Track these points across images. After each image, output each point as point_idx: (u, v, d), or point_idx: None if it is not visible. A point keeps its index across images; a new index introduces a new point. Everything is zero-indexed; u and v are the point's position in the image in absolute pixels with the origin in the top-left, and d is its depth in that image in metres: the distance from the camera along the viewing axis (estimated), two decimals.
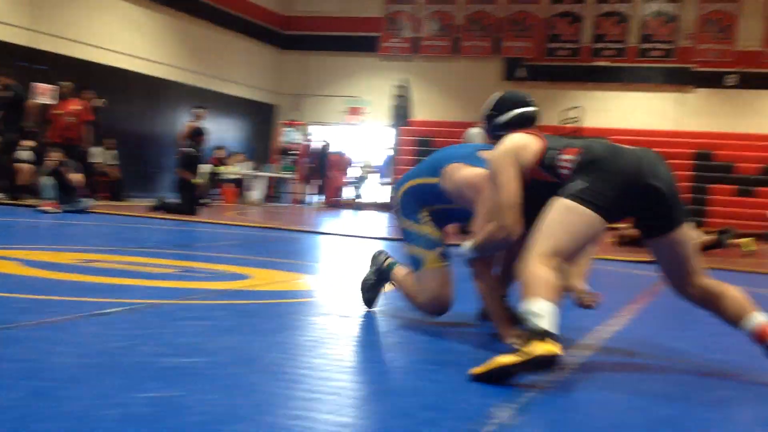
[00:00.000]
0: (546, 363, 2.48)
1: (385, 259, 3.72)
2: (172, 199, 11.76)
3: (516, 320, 3.20)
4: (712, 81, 20.07)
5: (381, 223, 13.76)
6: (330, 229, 10.59)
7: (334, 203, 19.79)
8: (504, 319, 3.26)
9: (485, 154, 3.36)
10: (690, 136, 19.83)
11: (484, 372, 2.53)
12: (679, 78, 20.29)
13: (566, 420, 2.21)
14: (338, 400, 2.24)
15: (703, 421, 2.34)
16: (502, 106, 3.48)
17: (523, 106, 3.46)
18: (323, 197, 20.13)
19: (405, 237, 3.60)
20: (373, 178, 20.98)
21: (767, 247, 14.48)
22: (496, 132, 3.45)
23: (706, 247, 10.65)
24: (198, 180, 11.71)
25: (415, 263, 3.49)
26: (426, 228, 3.51)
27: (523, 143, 3.16)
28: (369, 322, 3.58)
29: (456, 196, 3.43)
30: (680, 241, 2.97)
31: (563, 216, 2.84)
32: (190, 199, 11.50)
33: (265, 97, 22.47)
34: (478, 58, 21.41)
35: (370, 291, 3.78)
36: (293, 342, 2.98)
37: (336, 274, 5.72)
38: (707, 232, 11.04)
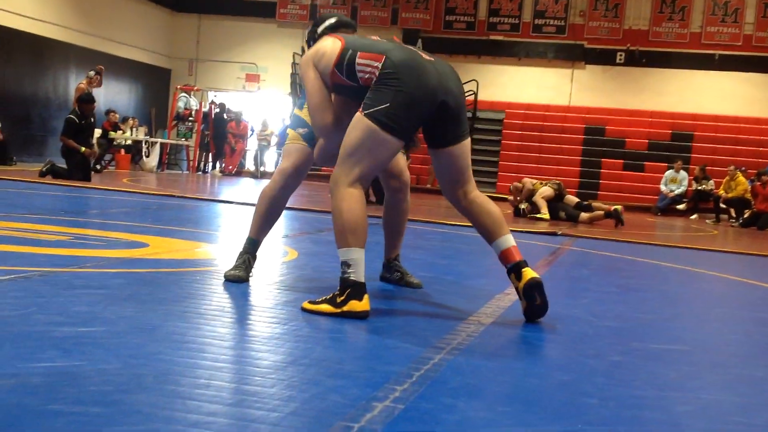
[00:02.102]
0: (357, 317, 2.95)
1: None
2: (62, 164, 11.34)
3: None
4: (602, 58, 20.68)
5: None
6: (229, 198, 10.44)
7: (234, 171, 19.49)
8: None
9: None
10: (582, 111, 20.43)
11: (309, 309, 3.01)
12: (571, 54, 20.82)
13: (468, 386, 2.26)
14: (244, 369, 2.22)
15: (597, 385, 2.43)
16: (319, 20, 3.67)
17: (332, 18, 3.65)
18: (222, 165, 19.80)
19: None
20: (273, 147, 20.78)
21: (656, 220, 15.13)
22: (312, 41, 3.59)
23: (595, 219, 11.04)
24: (83, 149, 11.23)
25: (282, 138, 3.74)
26: (302, 113, 3.72)
27: (320, 47, 3.31)
28: (272, 291, 3.56)
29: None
30: (460, 153, 3.26)
31: (366, 140, 3.07)
32: (79, 166, 11.09)
33: (159, 61, 21.85)
34: (377, 28, 21.40)
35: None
36: (195, 311, 2.93)
37: (237, 242, 5.65)
38: (598, 207, 11.44)
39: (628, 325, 3.49)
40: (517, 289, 3.24)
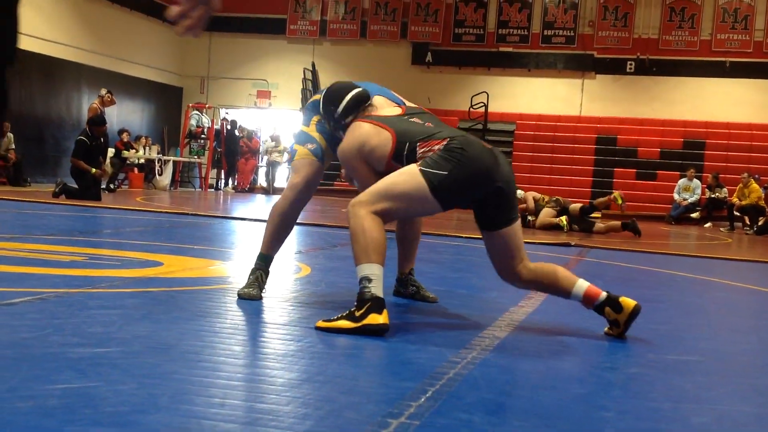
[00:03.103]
0: (377, 332, 2.94)
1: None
2: (73, 184, 11.41)
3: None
4: (612, 67, 20.66)
5: None
6: (242, 215, 10.48)
7: (246, 188, 19.56)
8: None
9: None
10: (593, 121, 20.40)
11: (325, 328, 2.99)
12: (581, 64, 20.81)
13: (484, 401, 2.25)
14: (259, 387, 2.23)
15: (613, 398, 2.42)
16: (332, 98, 3.55)
17: (351, 90, 3.55)
18: (234, 182, 19.87)
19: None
20: (285, 163, 20.83)
21: (670, 229, 15.07)
22: (338, 125, 3.55)
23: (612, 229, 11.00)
24: (93, 170, 11.30)
25: (291, 155, 3.79)
26: (309, 129, 3.73)
27: (364, 140, 3.30)
28: (285, 308, 3.56)
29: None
30: (513, 234, 3.28)
31: (412, 192, 3.11)
32: (90, 186, 11.15)
33: (170, 80, 21.99)
34: (386, 42, 21.49)
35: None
36: (210, 329, 2.94)
37: (250, 260, 5.66)
38: (612, 217, 11.40)
39: (643, 336, 3.47)
40: (614, 321, 3.25)
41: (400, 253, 4.01)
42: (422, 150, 3.19)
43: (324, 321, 3.04)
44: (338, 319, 3.01)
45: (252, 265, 3.77)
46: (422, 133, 3.24)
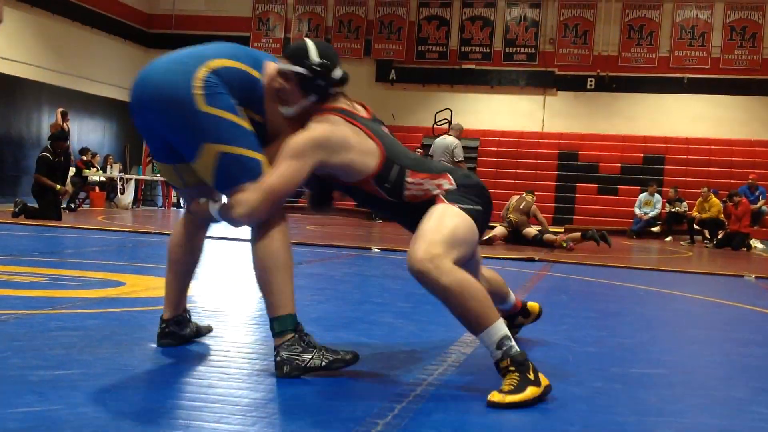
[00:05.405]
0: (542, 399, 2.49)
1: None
2: (33, 204, 11.24)
3: None
4: (573, 84, 20.92)
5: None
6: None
7: None
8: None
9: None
10: (555, 137, 20.62)
11: (507, 403, 2.41)
12: (542, 81, 21.04)
13: (450, 418, 2.25)
14: (224, 408, 2.20)
15: (579, 412, 2.43)
16: (328, 58, 2.78)
17: (339, 70, 2.80)
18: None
19: (216, 131, 2.57)
20: None
21: (632, 243, 15.22)
22: (323, 90, 2.74)
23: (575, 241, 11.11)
24: (59, 186, 11.17)
25: (248, 169, 2.60)
26: (248, 124, 2.65)
27: (342, 136, 2.64)
28: (250, 328, 3.54)
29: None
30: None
31: (469, 233, 2.68)
32: (51, 204, 11.00)
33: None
34: (350, 59, 21.51)
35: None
36: (174, 350, 2.90)
37: (213, 278, 5.61)
38: (574, 230, 11.49)
39: (607, 350, 3.50)
40: (521, 324, 3.59)
41: (179, 285, 3.14)
42: (416, 182, 2.72)
43: (499, 394, 2.44)
44: (513, 391, 2.44)
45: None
46: (410, 158, 2.76)
